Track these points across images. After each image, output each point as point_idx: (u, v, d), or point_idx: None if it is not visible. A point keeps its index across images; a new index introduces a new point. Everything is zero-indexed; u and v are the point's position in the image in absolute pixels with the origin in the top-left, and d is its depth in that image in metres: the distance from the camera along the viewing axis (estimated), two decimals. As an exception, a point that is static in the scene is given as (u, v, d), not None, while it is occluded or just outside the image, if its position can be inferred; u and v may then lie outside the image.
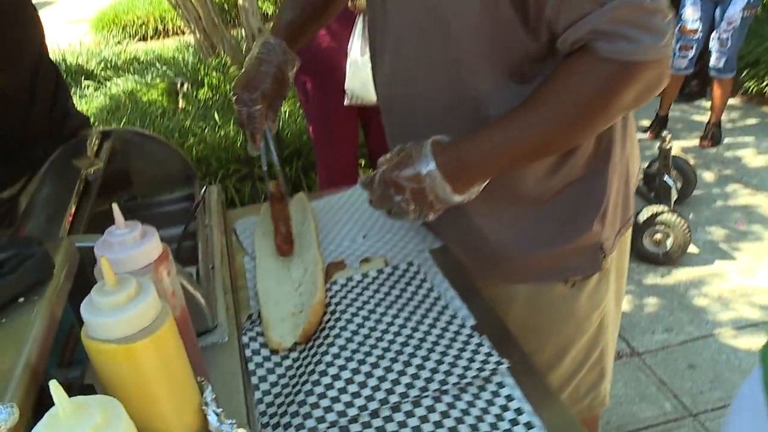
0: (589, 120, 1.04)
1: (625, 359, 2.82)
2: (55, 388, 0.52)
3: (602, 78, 0.99)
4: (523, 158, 1.09)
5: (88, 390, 0.80)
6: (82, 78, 6.59)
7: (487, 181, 1.09)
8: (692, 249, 3.48)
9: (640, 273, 3.37)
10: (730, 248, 3.52)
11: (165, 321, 0.71)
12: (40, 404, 0.72)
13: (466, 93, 1.12)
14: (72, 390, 0.78)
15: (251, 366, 1.06)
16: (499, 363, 1.01)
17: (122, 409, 0.57)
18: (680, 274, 3.37)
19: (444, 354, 1.05)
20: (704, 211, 3.89)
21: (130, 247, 0.80)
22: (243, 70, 1.32)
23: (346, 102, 2.91)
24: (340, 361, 1.03)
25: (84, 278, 0.97)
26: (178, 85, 5.39)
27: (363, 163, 3.77)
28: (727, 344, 2.86)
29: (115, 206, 0.80)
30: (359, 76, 2.78)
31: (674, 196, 3.58)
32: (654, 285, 3.31)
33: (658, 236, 3.40)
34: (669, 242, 3.38)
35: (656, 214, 3.37)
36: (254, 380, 1.04)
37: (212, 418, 0.77)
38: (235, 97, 1.30)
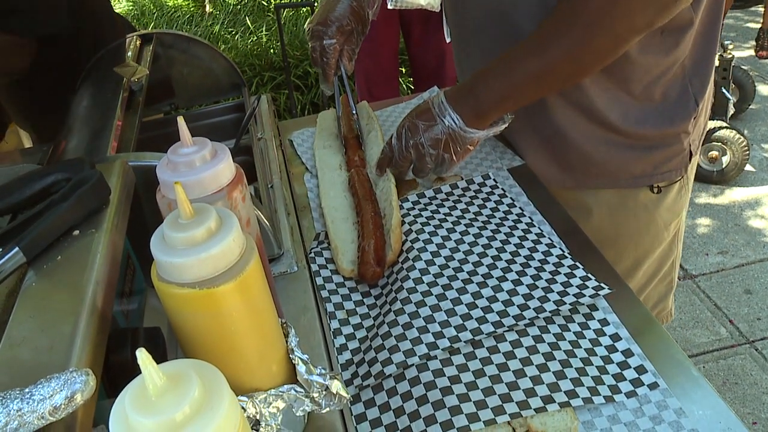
0: (594, 42, 0.96)
1: (678, 282, 2.70)
2: (144, 357, 0.40)
3: None
4: (534, 93, 1.05)
5: (155, 334, 0.69)
6: (104, -19, 6.33)
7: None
8: (748, 167, 3.30)
9: (691, 191, 3.21)
10: (790, 167, 3.35)
11: (251, 260, 0.59)
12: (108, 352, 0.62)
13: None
14: (137, 336, 0.67)
15: (324, 293, 0.96)
16: (599, 288, 0.90)
17: (222, 378, 0.46)
18: (735, 194, 3.21)
19: (536, 278, 0.94)
20: (760, 127, 3.68)
21: (199, 168, 0.67)
22: (318, 5, 1.27)
23: (389, 5, 2.72)
24: (422, 287, 0.92)
25: (137, 202, 0.86)
26: (204, -11, 5.15)
27: (404, 70, 3.59)
28: (786, 268, 2.74)
29: (180, 120, 0.67)
30: (406, -23, 2.59)
31: (731, 110, 3.38)
32: (707, 204, 3.16)
33: (714, 153, 3.22)
34: (725, 160, 3.22)
35: (713, 130, 3.18)
36: (329, 308, 0.93)
37: (301, 368, 0.67)
38: (308, 33, 1.25)
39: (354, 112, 1.29)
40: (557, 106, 1.13)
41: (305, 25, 1.27)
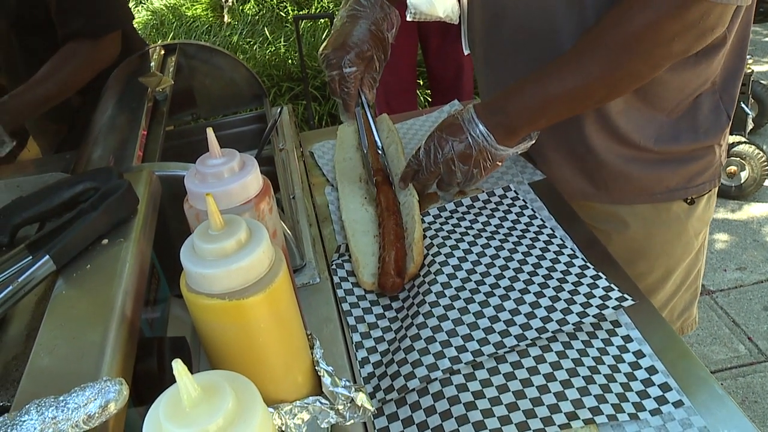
0: (631, 65, 0.96)
1: (695, 297, 2.68)
2: (180, 368, 0.40)
3: (651, 11, 0.89)
4: (567, 111, 1.05)
5: (181, 344, 0.69)
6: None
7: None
8: (766, 183, 3.28)
9: (709, 207, 3.19)
10: (809, 183, 3.32)
11: (279, 272, 0.59)
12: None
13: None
14: (163, 346, 0.68)
15: (345, 306, 0.96)
16: (622, 299, 0.90)
17: (255, 390, 0.46)
18: (753, 210, 3.18)
19: (559, 289, 0.94)
20: (779, 143, 3.65)
21: (227, 180, 0.67)
22: (333, 30, 1.18)
23: (408, 18, 2.72)
24: (444, 301, 0.92)
25: (161, 211, 0.87)
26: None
27: (421, 82, 3.60)
28: (806, 285, 2.71)
29: (210, 131, 0.67)
30: (426, -9, 2.60)
31: (750, 125, 3.36)
32: (725, 220, 3.14)
33: (732, 168, 3.20)
34: (744, 175, 3.20)
35: (731, 145, 3.16)
36: (351, 320, 0.93)
37: (326, 380, 0.67)
38: (324, 61, 1.16)
39: (380, 149, 1.22)
40: (590, 131, 1.13)
41: (318, 52, 1.17)
